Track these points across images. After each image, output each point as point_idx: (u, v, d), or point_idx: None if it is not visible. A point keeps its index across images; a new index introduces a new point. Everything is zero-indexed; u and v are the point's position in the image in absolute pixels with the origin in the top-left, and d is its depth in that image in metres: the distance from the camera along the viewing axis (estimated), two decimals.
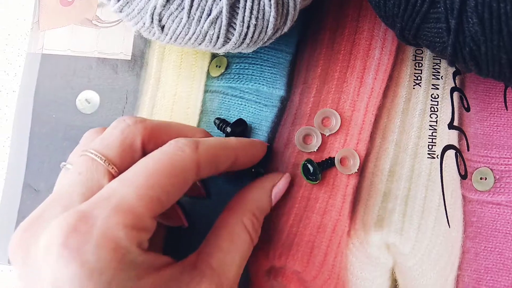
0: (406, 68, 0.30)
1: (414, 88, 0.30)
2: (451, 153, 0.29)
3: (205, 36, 0.24)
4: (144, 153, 0.23)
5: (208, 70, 0.31)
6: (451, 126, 0.30)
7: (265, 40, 0.26)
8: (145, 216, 0.20)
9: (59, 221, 0.19)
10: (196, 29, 0.23)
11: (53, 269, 0.18)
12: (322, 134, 0.30)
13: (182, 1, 0.23)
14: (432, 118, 0.30)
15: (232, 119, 0.30)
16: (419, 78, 0.30)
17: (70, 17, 0.32)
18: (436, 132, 0.30)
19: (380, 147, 0.30)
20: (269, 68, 0.31)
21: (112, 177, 0.22)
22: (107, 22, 0.32)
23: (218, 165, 0.24)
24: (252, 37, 0.24)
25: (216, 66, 0.31)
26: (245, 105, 0.31)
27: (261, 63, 0.31)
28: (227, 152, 0.25)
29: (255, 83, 0.31)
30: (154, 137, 0.24)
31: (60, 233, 0.18)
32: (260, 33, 0.24)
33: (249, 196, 0.27)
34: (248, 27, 0.24)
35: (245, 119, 0.30)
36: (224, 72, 0.31)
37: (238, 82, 0.31)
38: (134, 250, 0.19)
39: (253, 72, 0.31)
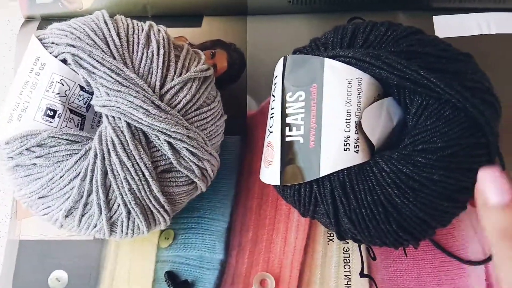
0: (320, 227, 0.37)
1: (328, 244, 0.36)
2: None
3: (94, 235, 0.32)
4: None
5: (158, 242, 0.37)
6: (362, 274, 0.35)
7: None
8: None
9: None
10: (85, 233, 0.31)
11: None
12: None
13: (73, 219, 0.30)
14: (346, 268, 0.36)
15: None
16: (331, 235, 0.36)
17: None
18: (350, 281, 0.35)
19: None
20: (209, 236, 0.37)
21: None
22: None
23: None
24: (132, 235, 0.32)
25: (165, 238, 0.37)
26: (191, 270, 0.36)
27: (202, 232, 0.37)
28: None
29: (198, 250, 0.37)
30: None
31: None
32: (138, 234, 0.32)
33: None
34: (126, 234, 0.31)
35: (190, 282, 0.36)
36: (172, 243, 0.37)
37: (184, 251, 0.37)
38: None
39: (196, 241, 0.37)
